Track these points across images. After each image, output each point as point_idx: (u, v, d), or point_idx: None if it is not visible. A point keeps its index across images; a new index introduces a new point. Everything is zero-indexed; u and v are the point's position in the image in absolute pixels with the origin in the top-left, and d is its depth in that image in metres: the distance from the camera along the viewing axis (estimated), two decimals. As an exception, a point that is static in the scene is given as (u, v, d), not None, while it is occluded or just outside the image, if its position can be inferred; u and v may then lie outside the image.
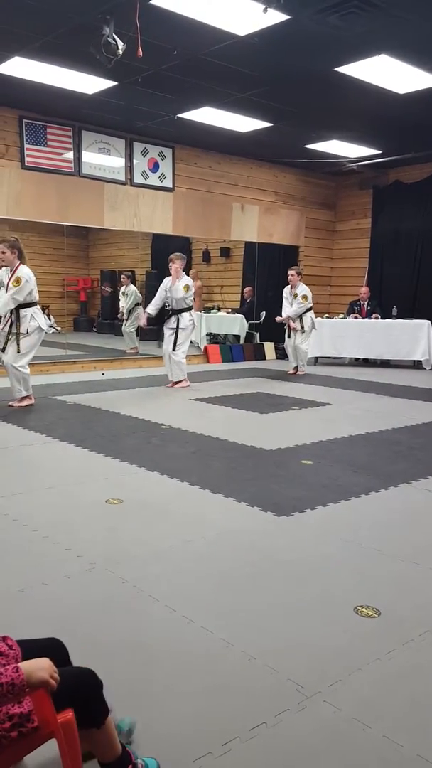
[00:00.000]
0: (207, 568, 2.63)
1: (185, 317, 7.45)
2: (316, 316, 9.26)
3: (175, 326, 7.42)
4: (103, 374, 8.72)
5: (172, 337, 7.44)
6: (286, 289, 8.89)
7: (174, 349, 7.42)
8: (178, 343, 7.43)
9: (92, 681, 1.34)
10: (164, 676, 1.89)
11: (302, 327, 8.76)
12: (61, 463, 4.23)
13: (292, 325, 8.77)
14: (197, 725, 1.68)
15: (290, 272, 8.87)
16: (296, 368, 8.95)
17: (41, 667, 1.17)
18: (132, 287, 11.12)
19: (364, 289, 10.37)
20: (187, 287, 7.37)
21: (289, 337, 8.95)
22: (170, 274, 7.42)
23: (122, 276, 11.42)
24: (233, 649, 2.03)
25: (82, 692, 1.30)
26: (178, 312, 7.41)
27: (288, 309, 8.79)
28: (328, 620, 2.22)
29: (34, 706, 1.17)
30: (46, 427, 5.20)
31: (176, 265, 7.39)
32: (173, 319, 7.43)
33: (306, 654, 2.01)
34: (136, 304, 10.91)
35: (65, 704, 1.24)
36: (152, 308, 7.48)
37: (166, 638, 2.09)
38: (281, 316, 8.91)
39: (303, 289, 8.74)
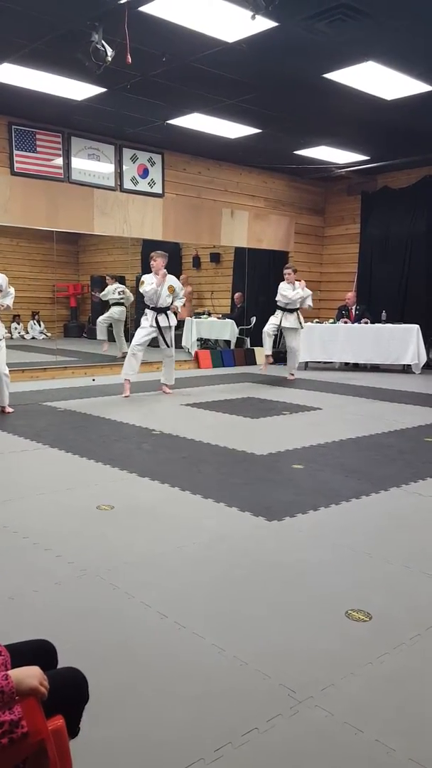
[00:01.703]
0: (199, 574, 2.63)
1: (172, 315, 7.33)
2: (306, 321, 9.29)
3: (166, 324, 7.25)
4: (93, 380, 8.70)
5: (160, 336, 7.27)
6: (285, 287, 8.76)
7: (168, 345, 7.29)
8: (169, 341, 7.30)
9: (81, 689, 1.34)
10: (156, 682, 1.88)
11: (301, 323, 8.80)
12: (52, 469, 4.21)
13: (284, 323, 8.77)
14: (189, 731, 1.67)
15: (287, 271, 8.77)
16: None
17: (31, 675, 1.16)
18: (112, 286, 11.06)
19: (350, 294, 10.42)
20: (172, 288, 7.23)
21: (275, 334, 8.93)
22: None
23: (107, 278, 11.46)
24: (225, 654, 2.02)
25: (71, 696, 1.30)
26: (165, 310, 7.26)
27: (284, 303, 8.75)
28: (319, 624, 2.22)
29: (24, 714, 1.16)
30: (37, 434, 5.17)
31: (156, 263, 7.18)
32: (162, 317, 7.22)
33: (298, 658, 2.01)
34: (118, 303, 10.83)
35: (55, 706, 1.23)
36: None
37: (158, 644, 2.08)
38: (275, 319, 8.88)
39: (298, 284, 8.77)
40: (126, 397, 7.14)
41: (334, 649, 2.07)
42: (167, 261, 7.38)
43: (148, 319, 7.25)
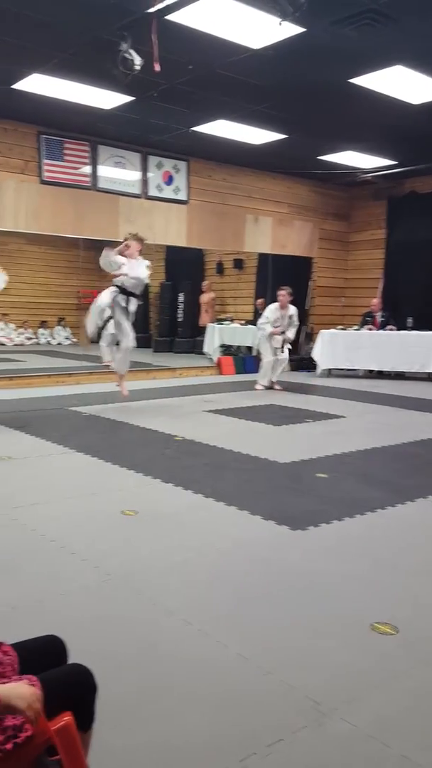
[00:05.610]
0: (222, 582, 2.62)
1: (134, 302, 6.71)
2: (330, 328, 9.22)
3: (125, 306, 6.62)
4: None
5: (124, 319, 6.63)
6: (275, 310, 8.45)
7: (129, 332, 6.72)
8: (130, 327, 6.75)
9: (87, 682, 1.34)
10: (179, 689, 1.88)
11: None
12: (78, 473, 4.24)
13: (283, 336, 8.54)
14: (213, 740, 1.66)
15: (283, 292, 8.42)
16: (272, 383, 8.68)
17: (20, 696, 1.13)
18: None
19: (375, 301, 10.34)
20: (149, 267, 6.72)
21: (275, 355, 8.63)
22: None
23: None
24: (249, 663, 2.01)
25: (77, 692, 1.30)
26: (130, 294, 6.62)
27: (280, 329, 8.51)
28: (344, 637, 2.20)
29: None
30: (63, 438, 5.22)
31: (131, 248, 6.56)
32: (127, 298, 6.61)
33: (322, 670, 2.00)
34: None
35: (61, 705, 1.23)
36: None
37: (182, 651, 2.08)
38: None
39: (293, 309, 8.55)
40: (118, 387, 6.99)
41: (358, 661, 2.05)
42: (142, 245, 6.85)
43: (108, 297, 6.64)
